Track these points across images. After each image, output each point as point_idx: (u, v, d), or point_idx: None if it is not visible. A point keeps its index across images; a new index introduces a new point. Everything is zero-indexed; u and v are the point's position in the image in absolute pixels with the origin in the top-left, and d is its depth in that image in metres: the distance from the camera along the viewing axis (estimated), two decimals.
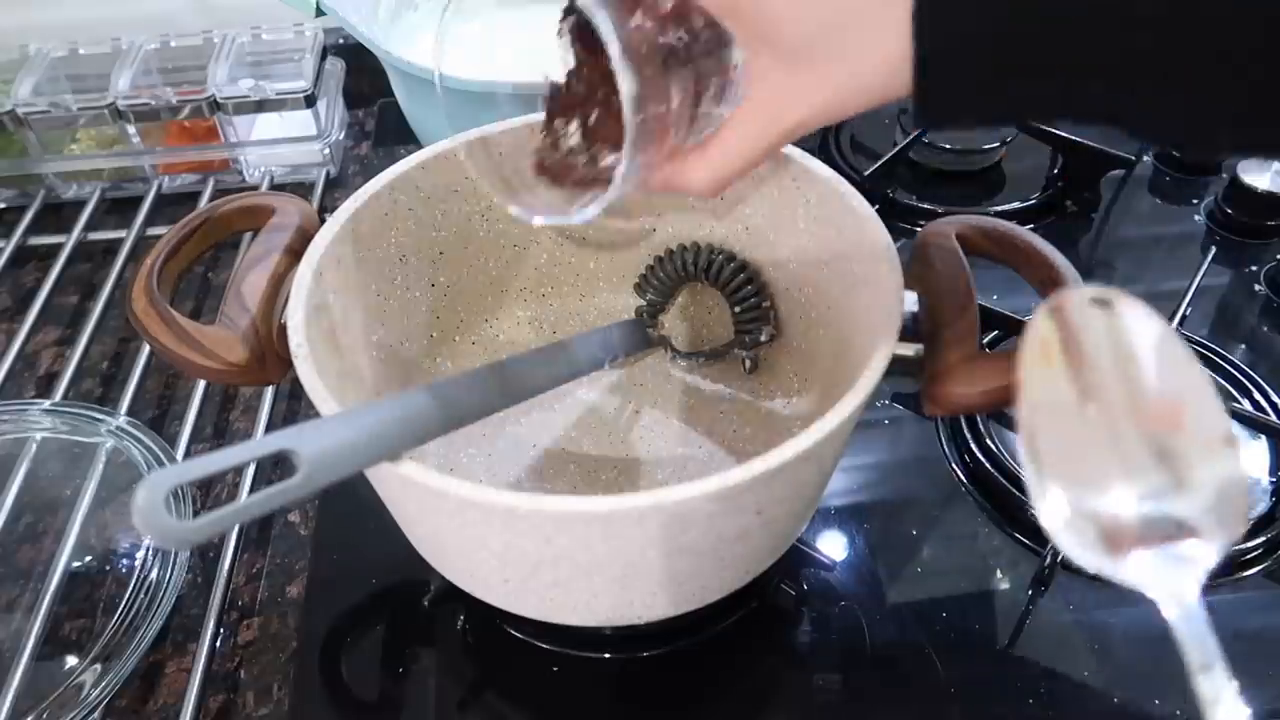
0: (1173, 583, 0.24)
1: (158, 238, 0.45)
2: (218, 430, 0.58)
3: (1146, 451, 0.25)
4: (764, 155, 0.35)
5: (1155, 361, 0.26)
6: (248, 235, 0.55)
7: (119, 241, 0.70)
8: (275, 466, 0.51)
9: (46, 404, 0.55)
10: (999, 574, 0.49)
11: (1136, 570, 0.24)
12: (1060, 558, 0.49)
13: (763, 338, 0.51)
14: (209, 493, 0.55)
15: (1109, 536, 0.25)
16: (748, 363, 0.52)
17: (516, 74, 0.53)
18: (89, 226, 0.72)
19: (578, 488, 0.49)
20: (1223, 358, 0.58)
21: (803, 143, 0.47)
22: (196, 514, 0.51)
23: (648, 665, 0.46)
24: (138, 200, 0.73)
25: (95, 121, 0.72)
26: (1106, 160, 0.70)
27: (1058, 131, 0.72)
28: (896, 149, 0.73)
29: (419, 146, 0.48)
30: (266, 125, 0.77)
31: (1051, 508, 0.25)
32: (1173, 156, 0.75)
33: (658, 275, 0.52)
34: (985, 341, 0.57)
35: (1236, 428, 0.54)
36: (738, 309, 0.51)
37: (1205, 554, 0.24)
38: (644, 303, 0.53)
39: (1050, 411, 0.26)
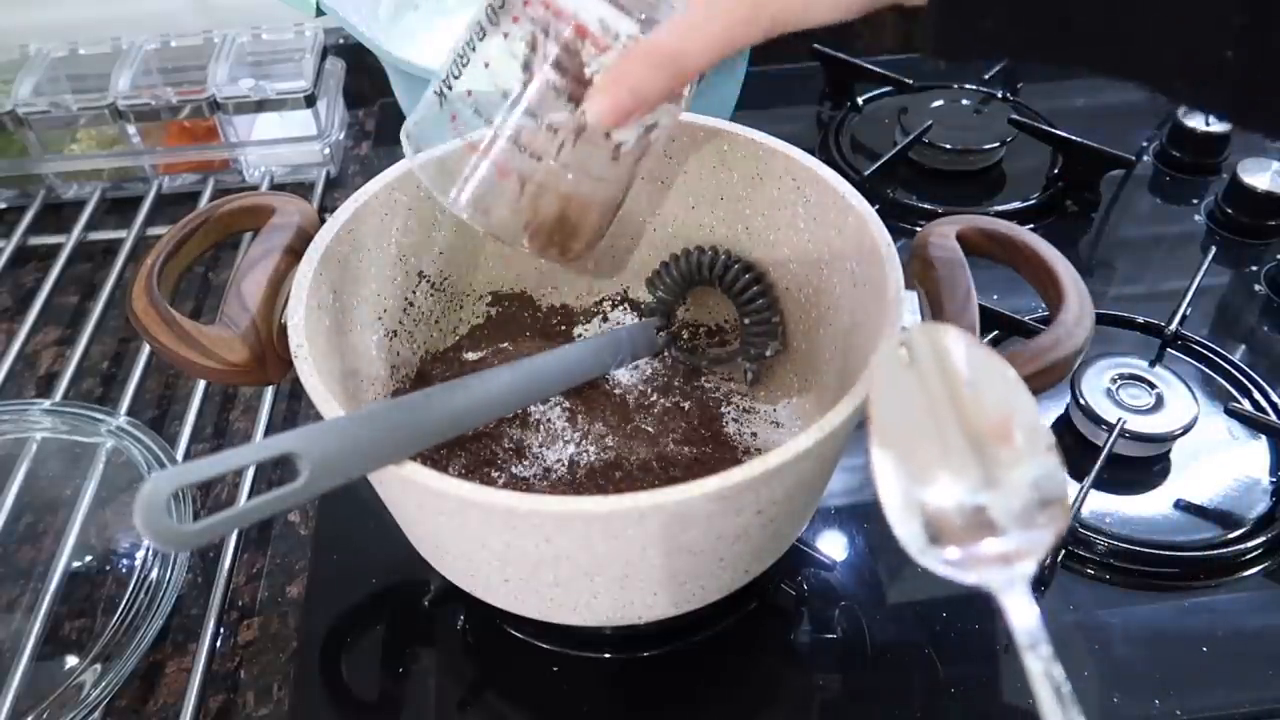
0: (996, 578, 0.27)
1: (158, 238, 0.45)
2: (218, 430, 0.58)
3: (971, 453, 0.28)
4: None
5: (988, 386, 0.30)
6: (248, 235, 0.55)
7: (119, 241, 0.70)
8: (275, 467, 0.51)
9: (46, 404, 0.55)
10: None
11: (956, 564, 0.27)
12: (1060, 558, 0.49)
13: (768, 353, 0.51)
14: (209, 492, 0.55)
15: (934, 528, 0.28)
16: (749, 374, 0.52)
17: None
18: (89, 226, 0.72)
19: (578, 487, 0.49)
20: (1223, 358, 0.58)
21: (803, 143, 0.47)
22: (197, 515, 0.51)
23: (648, 665, 0.46)
24: (138, 200, 0.73)
25: (95, 121, 0.72)
26: (1106, 160, 0.70)
27: (1057, 131, 0.72)
28: (896, 149, 0.73)
29: None
30: (266, 125, 0.77)
31: (889, 490, 0.28)
32: (1173, 156, 0.75)
33: (671, 273, 0.52)
34: (985, 342, 0.57)
35: (1237, 428, 0.55)
36: (748, 320, 0.51)
37: (1017, 551, 0.27)
38: (654, 299, 0.53)
39: (896, 405, 0.29)
